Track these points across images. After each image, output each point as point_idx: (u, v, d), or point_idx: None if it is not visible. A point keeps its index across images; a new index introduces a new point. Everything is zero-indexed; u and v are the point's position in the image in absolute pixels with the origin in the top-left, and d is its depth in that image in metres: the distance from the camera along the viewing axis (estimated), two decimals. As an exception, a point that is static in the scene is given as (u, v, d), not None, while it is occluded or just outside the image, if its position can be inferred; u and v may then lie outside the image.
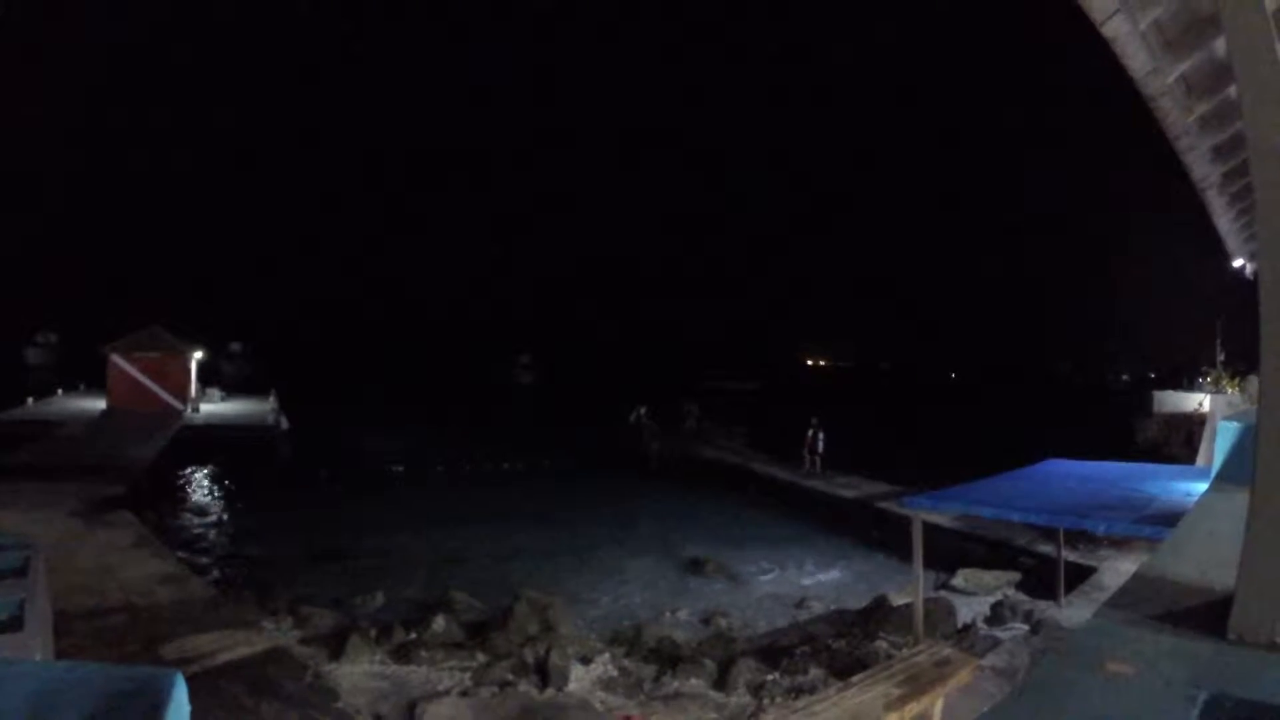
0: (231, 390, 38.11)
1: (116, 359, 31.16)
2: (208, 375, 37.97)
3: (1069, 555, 13.28)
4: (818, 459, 24.79)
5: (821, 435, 24.93)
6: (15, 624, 4.42)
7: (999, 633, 10.84)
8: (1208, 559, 3.57)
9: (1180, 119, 5.44)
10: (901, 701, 5.92)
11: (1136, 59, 4.62)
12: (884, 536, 18.00)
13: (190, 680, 1.62)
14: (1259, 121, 2.58)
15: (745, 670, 9.55)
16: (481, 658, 9.76)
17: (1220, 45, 4.47)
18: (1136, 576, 3.55)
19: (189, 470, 24.22)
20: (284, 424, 30.41)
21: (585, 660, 9.80)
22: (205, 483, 23.44)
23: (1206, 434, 14.67)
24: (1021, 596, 13.04)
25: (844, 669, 9.29)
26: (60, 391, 35.61)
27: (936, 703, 6.33)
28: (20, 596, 4.70)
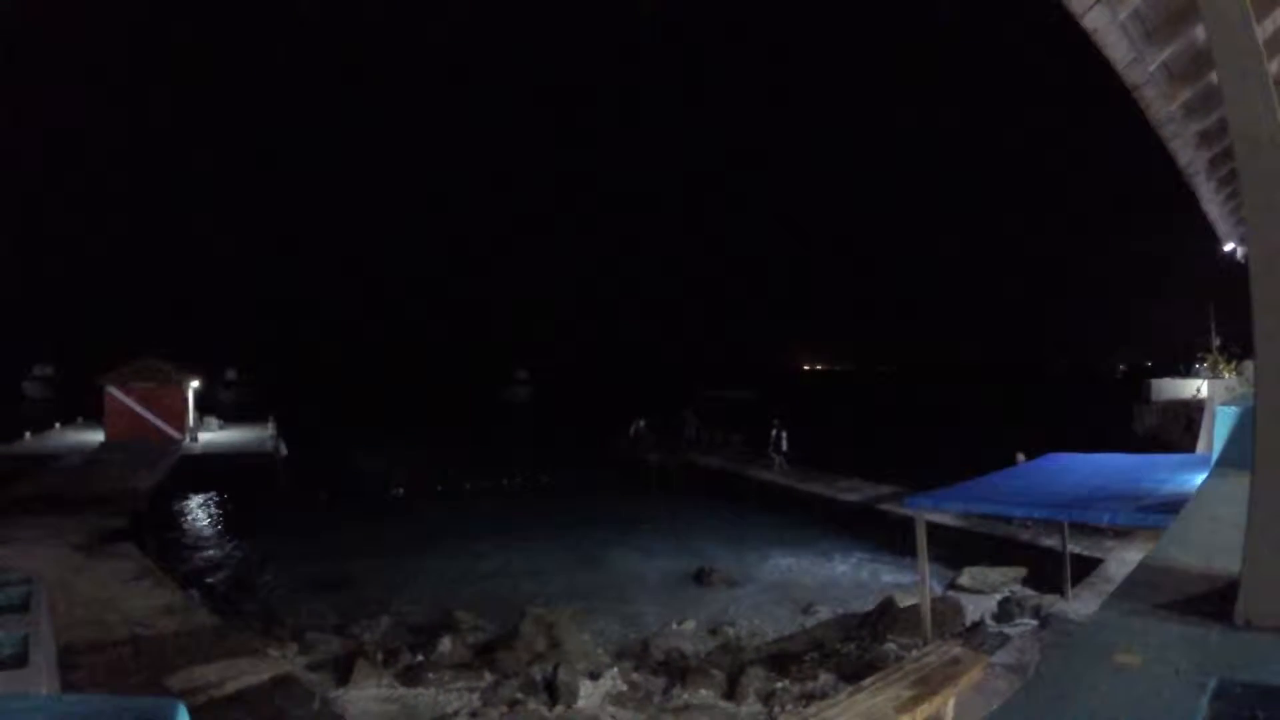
0: (229, 418, 38.00)
1: (113, 390, 31.08)
2: (205, 404, 37.88)
3: (1074, 548, 13.25)
4: (782, 457, 26.56)
5: (785, 435, 26.70)
6: (20, 659, 4.40)
7: (1008, 629, 10.81)
8: (1211, 545, 3.57)
9: (1163, 107, 5.48)
10: (913, 703, 5.90)
11: (1118, 49, 4.66)
12: (888, 538, 17.97)
13: (197, 710, 1.61)
14: (1240, 106, 2.59)
15: (755, 679, 9.51)
16: (489, 677, 9.72)
17: (1200, 32, 4.51)
18: (1141, 566, 3.54)
19: (189, 499, 24.13)
20: (283, 450, 30.33)
21: (594, 676, 9.75)
22: (206, 511, 23.35)
23: (1205, 420, 14.68)
24: (1028, 592, 13.00)
25: (854, 673, 9.26)
26: (58, 425, 35.49)
27: (948, 702, 6.31)
28: (24, 632, 4.68)
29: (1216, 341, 29.31)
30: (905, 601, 12.32)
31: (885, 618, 11.89)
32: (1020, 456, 20.99)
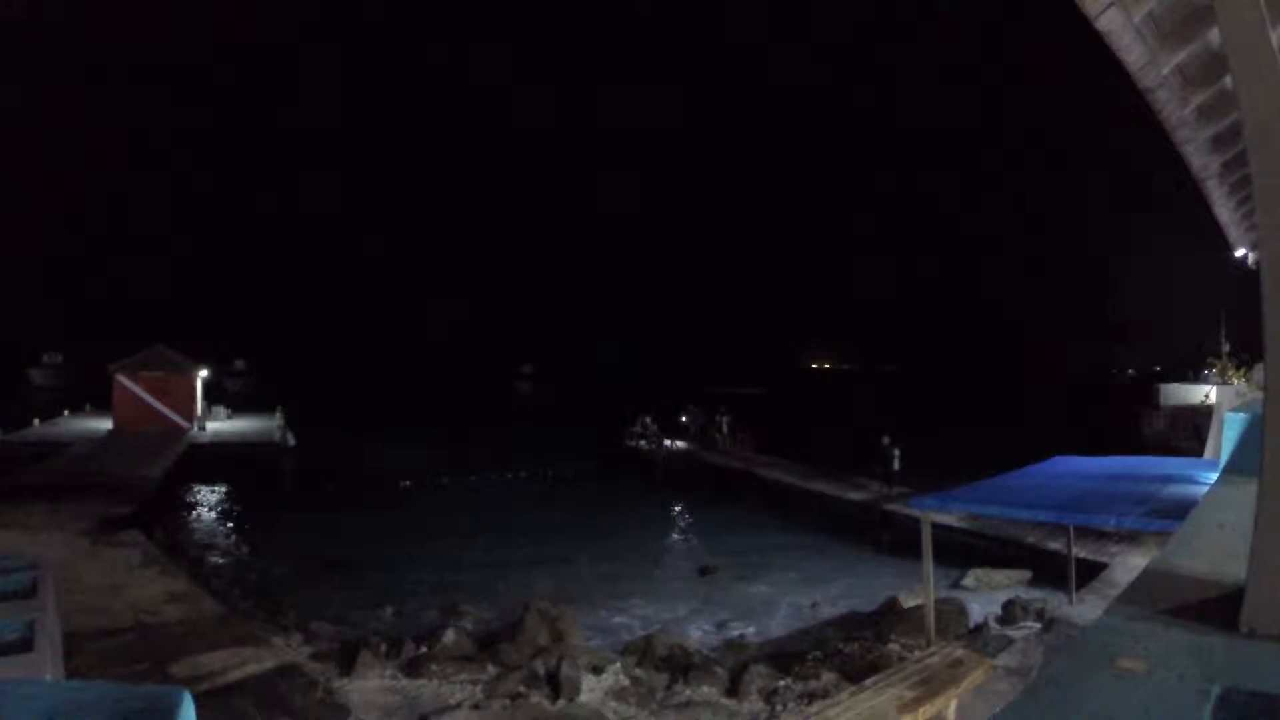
0: (237, 408, 38.16)
1: (122, 379, 31.24)
2: (213, 393, 38.02)
3: (1080, 552, 13.21)
4: (724, 438, 32.98)
5: (726, 420, 33.76)
6: (25, 644, 4.42)
7: (1011, 632, 10.78)
8: (1218, 551, 3.56)
9: (1177, 110, 5.44)
10: (915, 704, 5.88)
11: (1132, 52, 4.63)
12: (893, 538, 17.94)
13: (201, 698, 1.62)
14: (1255, 110, 2.58)
15: (757, 677, 9.51)
16: (492, 670, 9.74)
17: (1215, 35, 4.48)
18: (1147, 571, 3.53)
19: (197, 488, 24.25)
20: (290, 440, 30.45)
21: (596, 670, 9.76)
22: (213, 500, 23.46)
23: (1214, 426, 14.62)
24: (1033, 594, 12.98)
25: (856, 673, 9.25)
26: (66, 412, 35.70)
27: (950, 704, 6.29)
28: (30, 617, 4.71)
29: (1225, 347, 29.25)
30: (909, 602, 12.31)
31: (889, 618, 11.88)
32: (885, 439, 21.45)
